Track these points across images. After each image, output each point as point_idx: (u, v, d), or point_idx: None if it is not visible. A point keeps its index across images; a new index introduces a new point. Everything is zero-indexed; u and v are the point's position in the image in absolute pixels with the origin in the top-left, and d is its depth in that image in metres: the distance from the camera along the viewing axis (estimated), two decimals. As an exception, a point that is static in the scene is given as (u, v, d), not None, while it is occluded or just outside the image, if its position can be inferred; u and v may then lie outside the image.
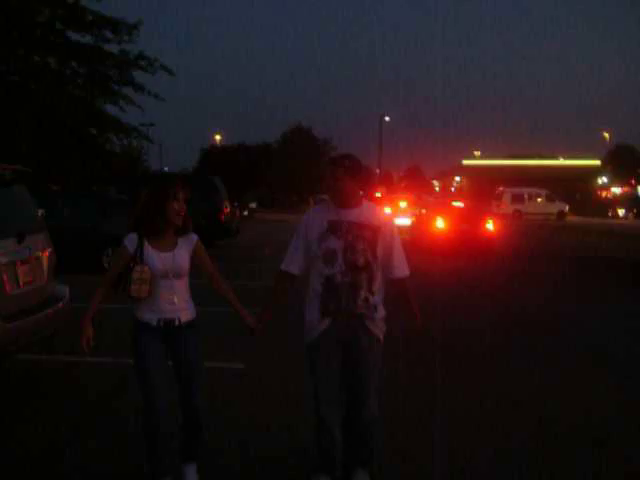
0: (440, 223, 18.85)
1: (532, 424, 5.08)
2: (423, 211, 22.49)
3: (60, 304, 5.83)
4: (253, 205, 43.65)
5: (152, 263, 3.59)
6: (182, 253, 3.70)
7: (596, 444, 4.71)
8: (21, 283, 5.32)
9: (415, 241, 18.99)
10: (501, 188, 45.96)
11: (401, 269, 3.85)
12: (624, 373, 6.64)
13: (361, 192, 3.79)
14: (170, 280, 3.65)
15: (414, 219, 23.42)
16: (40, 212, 6.29)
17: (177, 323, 3.68)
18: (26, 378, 6.13)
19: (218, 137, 65.64)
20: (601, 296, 11.83)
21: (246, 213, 36.23)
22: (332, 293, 3.68)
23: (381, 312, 3.82)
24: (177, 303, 3.68)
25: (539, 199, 44.84)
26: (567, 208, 45.47)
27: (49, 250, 5.93)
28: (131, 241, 3.64)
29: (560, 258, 18.27)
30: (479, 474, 4.28)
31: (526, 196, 44.77)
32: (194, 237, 3.79)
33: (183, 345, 3.71)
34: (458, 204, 22.65)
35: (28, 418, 5.04)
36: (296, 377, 5.63)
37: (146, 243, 3.62)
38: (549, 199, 44.89)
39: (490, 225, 19.06)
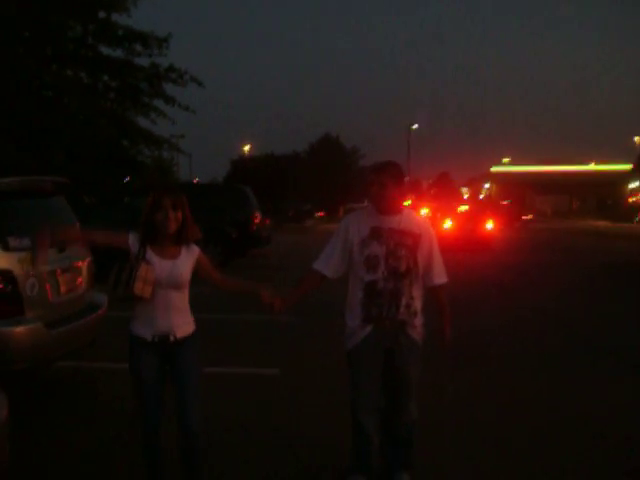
0: (447, 224, 22.70)
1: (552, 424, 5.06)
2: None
3: (99, 311, 5.96)
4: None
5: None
6: (183, 263, 3.59)
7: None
8: (62, 291, 5.45)
9: None
10: None
11: (440, 276, 3.90)
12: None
13: (408, 200, 3.87)
14: (166, 291, 3.54)
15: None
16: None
17: (172, 339, 3.57)
18: (67, 385, 6.25)
19: (247, 148, 66.08)
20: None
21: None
22: (374, 299, 3.71)
23: (421, 318, 3.86)
24: (172, 317, 3.58)
25: None
26: None
27: (88, 259, 6.07)
28: (133, 237, 3.58)
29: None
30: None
31: None
32: (195, 249, 3.69)
33: (178, 362, 3.60)
34: (464, 208, 26.56)
35: (68, 424, 5.15)
36: (331, 381, 5.69)
37: (149, 248, 3.55)
38: None
39: (490, 225, 22.78)
